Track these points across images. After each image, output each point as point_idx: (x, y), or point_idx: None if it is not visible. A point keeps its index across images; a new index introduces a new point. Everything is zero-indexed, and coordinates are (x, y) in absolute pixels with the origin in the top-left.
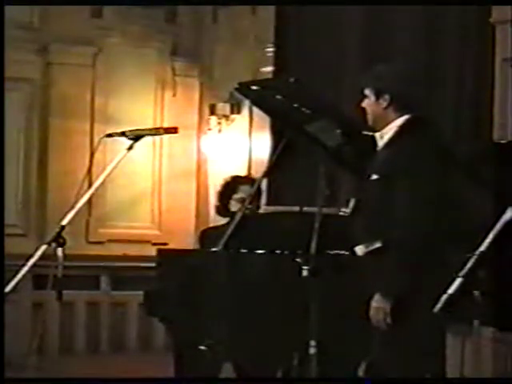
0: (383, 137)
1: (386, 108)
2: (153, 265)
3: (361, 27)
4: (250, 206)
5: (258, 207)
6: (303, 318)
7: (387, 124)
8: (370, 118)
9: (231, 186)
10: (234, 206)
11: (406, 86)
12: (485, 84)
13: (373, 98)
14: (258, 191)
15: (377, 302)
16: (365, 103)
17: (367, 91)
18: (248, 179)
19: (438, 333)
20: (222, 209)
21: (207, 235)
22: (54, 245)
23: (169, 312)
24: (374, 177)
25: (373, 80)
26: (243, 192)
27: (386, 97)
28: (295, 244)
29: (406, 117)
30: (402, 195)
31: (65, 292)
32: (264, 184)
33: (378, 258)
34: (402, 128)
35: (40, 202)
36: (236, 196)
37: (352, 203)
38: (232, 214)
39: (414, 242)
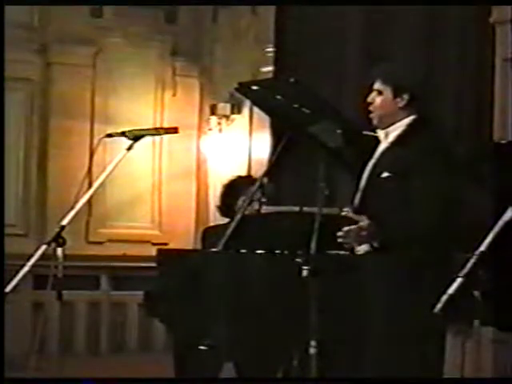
0: (388, 135)
1: (401, 108)
2: (153, 265)
3: (361, 27)
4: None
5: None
6: (303, 318)
7: (394, 122)
8: (377, 113)
9: (237, 188)
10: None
11: (424, 87)
12: (485, 84)
13: (389, 94)
14: (262, 190)
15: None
16: (376, 98)
17: (381, 86)
18: (252, 180)
19: (439, 333)
20: (226, 210)
21: (209, 234)
22: (53, 245)
23: (169, 312)
24: (385, 174)
25: (392, 77)
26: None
27: (405, 96)
28: (295, 244)
29: (413, 117)
30: (419, 193)
31: (65, 292)
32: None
33: (383, 255)
34: (410, 127)
35: (40, 201)
36: (243, 198)
37: (357, 201)
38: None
39: (427, 239)
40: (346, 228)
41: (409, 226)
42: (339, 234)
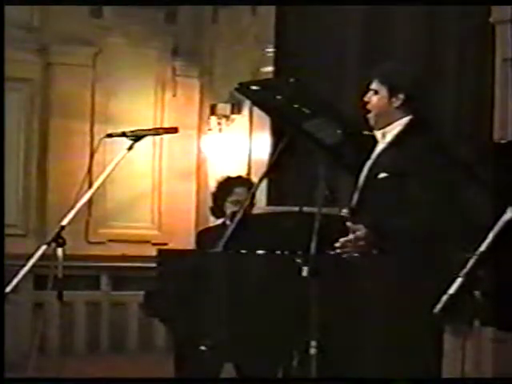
0: (385, 135)
1: (397, 107)
2: (153, 265)
3: (361, 27)
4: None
5: (252, 205)
6: (303, 318)
7: (390, 122)
8: (373, 113)
9: (225, 188)
10: (228, 208)
11: (420, 87)
12: (485, 84)
13: (385, 94)
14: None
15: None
16: (372, 98)
17: (377, 86)
18: (242, 180)
19: (437, 333)
20: (217, 211)
21: (203, 236)
22: (53, 245)
23: (169, 312)
24: (382, 175)
25: (388, 77)
26: (237, 195)
27: (400, 96)
28: (295, 244)
29: (410, 117)
30: (417, 194)
31: (65, 292)
32: (264, 184)
33: (382, 255)
34: (407, 128)
35: (40, 201)
36: (230, 198)
37: (354, 202)
38: (229, 215)
39: (426, 240)
40: (343, 239)
41: (407, 228)
42: (337, 244)
